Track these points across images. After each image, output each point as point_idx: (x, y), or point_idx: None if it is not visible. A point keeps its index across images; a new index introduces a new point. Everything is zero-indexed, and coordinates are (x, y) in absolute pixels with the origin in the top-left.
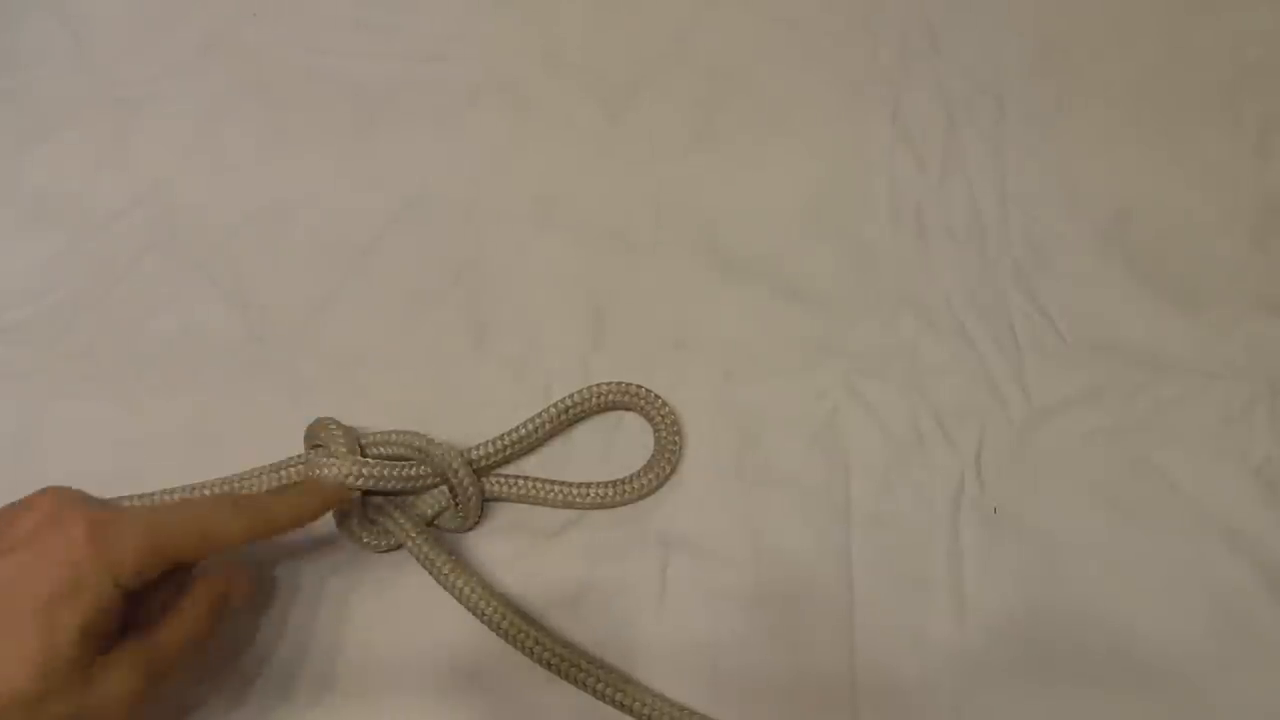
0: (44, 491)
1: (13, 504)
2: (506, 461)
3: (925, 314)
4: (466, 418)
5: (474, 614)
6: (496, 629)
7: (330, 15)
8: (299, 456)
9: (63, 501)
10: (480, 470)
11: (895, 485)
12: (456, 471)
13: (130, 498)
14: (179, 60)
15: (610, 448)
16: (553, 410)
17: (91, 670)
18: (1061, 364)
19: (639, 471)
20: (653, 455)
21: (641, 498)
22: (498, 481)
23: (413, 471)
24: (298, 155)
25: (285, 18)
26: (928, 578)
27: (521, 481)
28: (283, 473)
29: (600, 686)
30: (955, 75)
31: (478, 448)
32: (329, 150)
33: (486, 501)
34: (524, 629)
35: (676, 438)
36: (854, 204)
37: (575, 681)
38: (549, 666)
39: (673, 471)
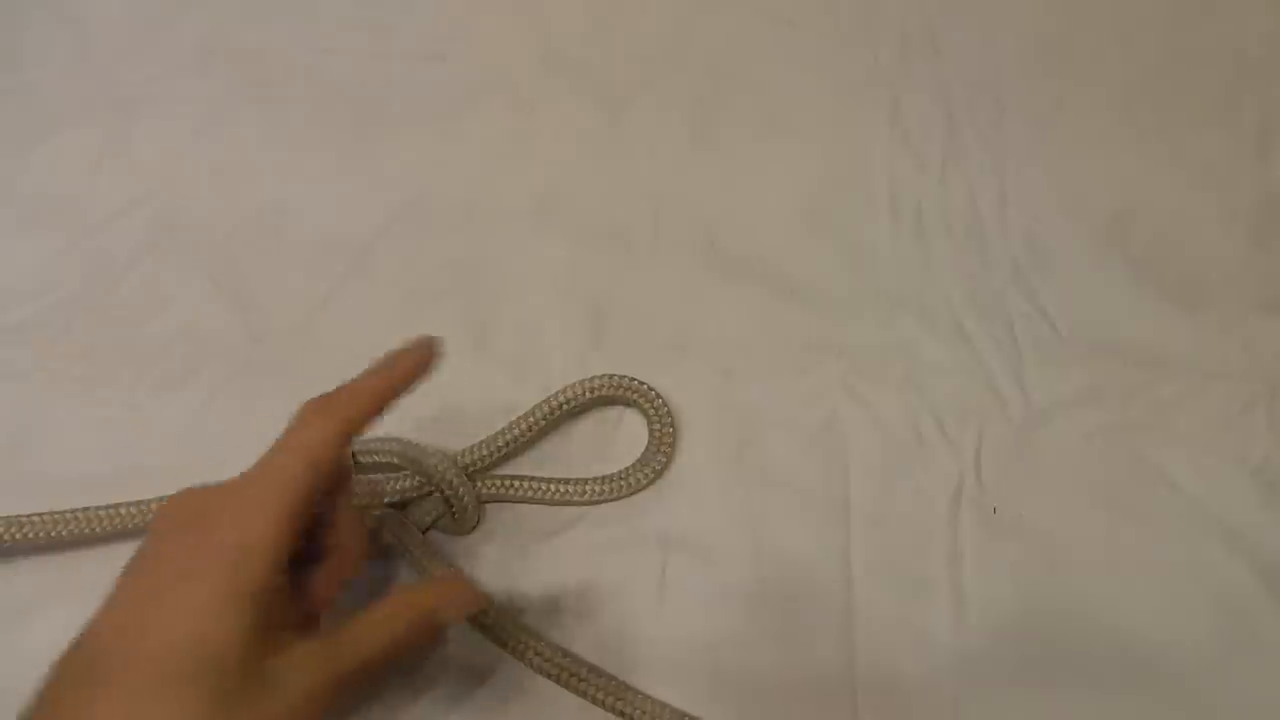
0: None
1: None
2: (502, 462)
3: (925, 314)
4: (466, 418)
5: (473, 625)
6: (496, 640)
7: (330, 15)
8: None
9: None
10: (475, 472)
11: (895, 485)
12: (450, 482)
13: (128, 503)
14: (179, 60)
15: (610, 447)
16: (545, 408)
17: (266, 664)
18: (1061, 364)
19: (634, 464)
20: (647, 447)
21: (638, 491)
22: (493, 483)
23: (406, 484)
24: (298, 155)
25: (285, 18)
26: (928, 578)
27: (517, 482)
28: None
29: (600, 695)
30: (955, 75)
31: (471, 450)
32: (329, 150)
33: (483, 504)
34: (524, 640)
35: (671, 429)
36: (854, 204)
37: (575, 690)
38: (550, 676)
39: (669, 463)
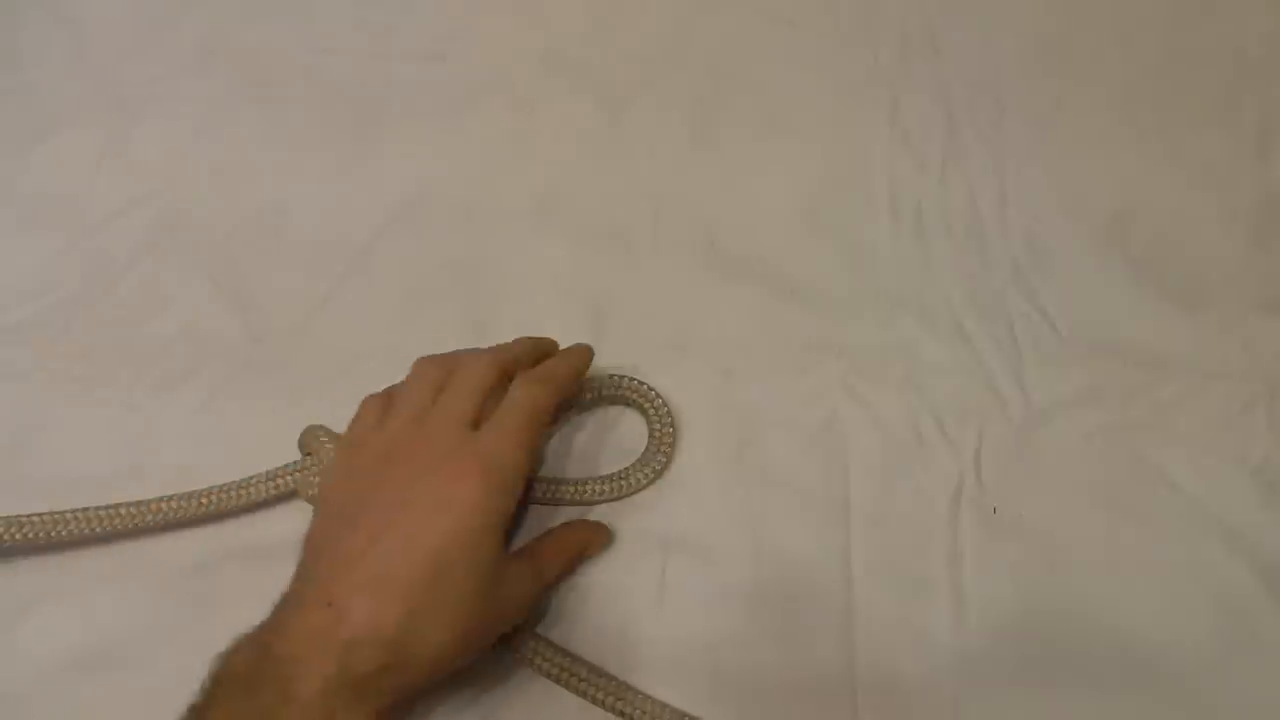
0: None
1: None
2: None
3: (925, 314)
4: None
5: None
6: (497, 640)
7: (330, 15)
8: (293, 464)
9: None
10: None
11: (895, 485)
12: None
13: (128, 503)
14: (179, 60)
15: (610, 447)
16: None
17: (501, 577)
18: (1061, 364)
19: (634, 464)
20: (647, 447)
21: (638, 491)
22: None
23: None
24: (298, 155)
25: (285, 18)
26: (928, 578)
27: None
28: (278, 481)
29: (600, 695)
30: (955, 75)
31: None
32: (329, 150)
33: None
34: (524, 640)
35: (671, 429)
36: (854, 204)
37: (575, 690)
38: (550, 676)
39: (669, 463)
